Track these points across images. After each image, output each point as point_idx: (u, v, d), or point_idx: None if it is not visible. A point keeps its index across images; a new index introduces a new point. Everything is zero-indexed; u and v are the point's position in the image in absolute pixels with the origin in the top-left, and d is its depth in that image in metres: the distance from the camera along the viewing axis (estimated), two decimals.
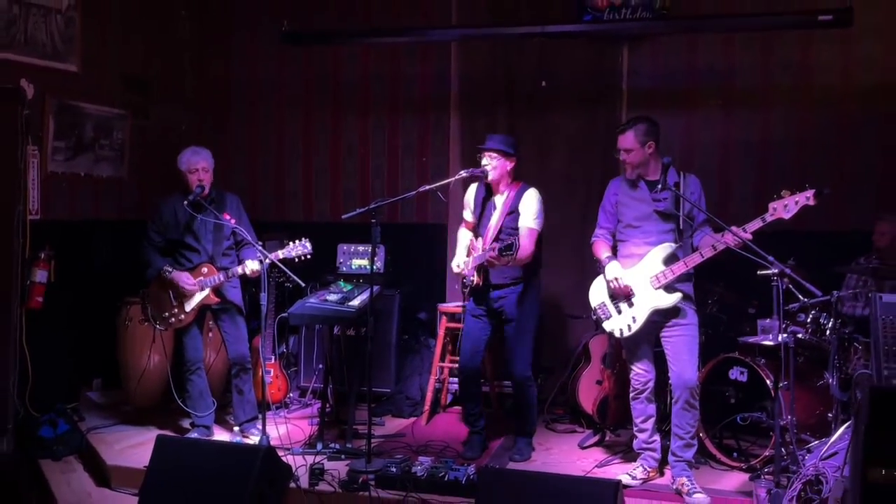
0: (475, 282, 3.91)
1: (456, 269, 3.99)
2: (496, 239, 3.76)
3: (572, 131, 5.00)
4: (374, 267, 4.07)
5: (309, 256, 4.08)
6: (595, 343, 4.62)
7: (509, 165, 3.82)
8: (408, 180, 5.45)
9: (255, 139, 5.70)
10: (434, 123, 5.43)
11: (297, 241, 4.14)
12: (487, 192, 3.92)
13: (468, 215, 3.98)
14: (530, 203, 3.80)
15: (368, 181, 5.64)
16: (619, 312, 3.60)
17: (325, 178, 5.70)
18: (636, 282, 3.55)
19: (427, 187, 3.88)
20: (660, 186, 3.43)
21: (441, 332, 4.83)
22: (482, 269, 3.93)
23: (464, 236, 4.04)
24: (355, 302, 4.17)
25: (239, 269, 4.04)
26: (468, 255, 3.92)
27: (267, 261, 3.95)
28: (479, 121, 5.17)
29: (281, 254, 4.12)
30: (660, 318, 3.52)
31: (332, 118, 5.57)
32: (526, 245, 3.70)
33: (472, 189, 3.96)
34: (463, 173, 3.95)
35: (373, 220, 3.60)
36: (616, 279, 3.51)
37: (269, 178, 5.71)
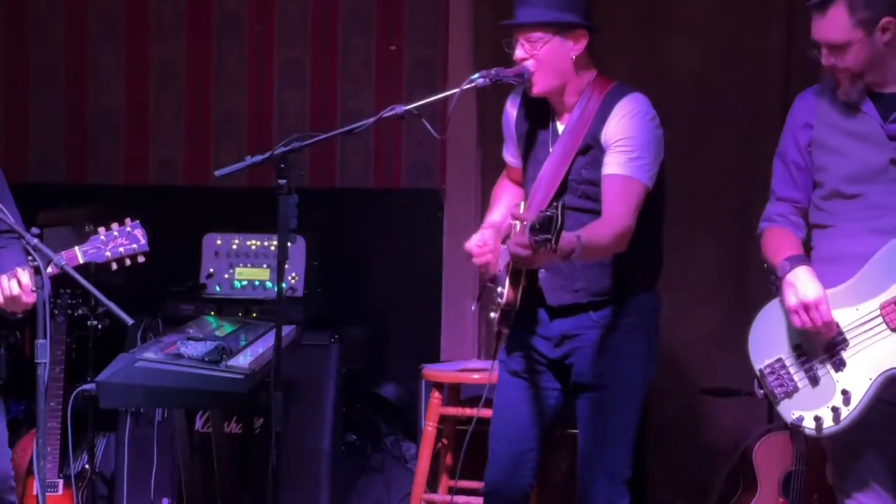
0: (505, 300, 3.77)
1: (477, 258, 3.85)
2: (548, 207, 3.59)
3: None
4: (285, 285, 4.11)
5: (142, 259, 4.02)
6: (765, 450, 4.70)
7: (575, 51, 3.81)
8: (357, 96, 5.75)
9: (12, 21, 6.09)
10: None
11: (114, 228, 4.01)
12: (541, 112, 3.94)
13: (509, 152, 4.07)
14: (630, 125, 3.75)
15: (270, 97, 5.91)
16: (815, 380, 3.52)
17: (171, 92, 6.04)
18: (850, 316, 3.47)
19: (401, 109, 3.65)
20: None
21: (430, 429, 4.88)
22: (520, 273, 3.79)
23: (502, 198, 4.13)
24: (241, 359, 4.14)
25: None
26: (505, 237, 3.89)
27: (50, 270, 3.74)
28: None
29: (80, 255, 3.99)
30: None
31: None
32: (615, 216, 3.66)
33: (515, 101, 4.00)
34: (477, 79, 3.76)
35: (279, 182, 3.51)
36: (808, 305, 3.44)
37: (51, 98, 6.10)
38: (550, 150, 3.86)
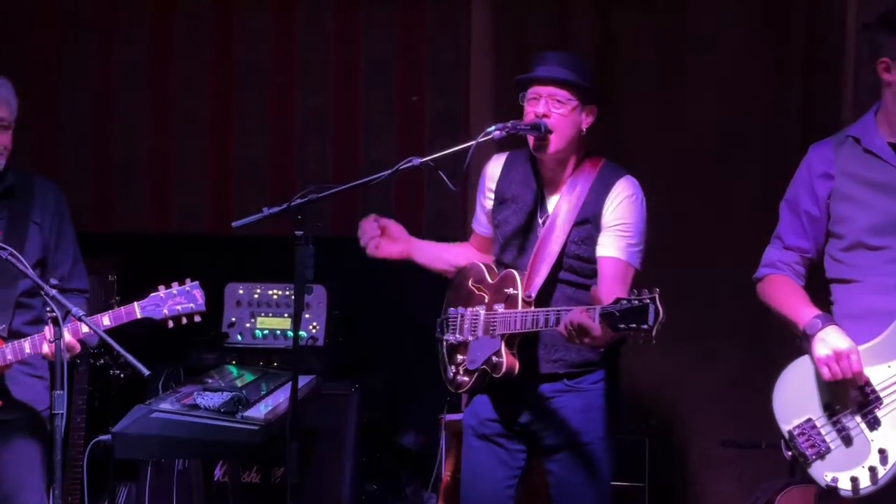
0: (505, 368, 3.73)
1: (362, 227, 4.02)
2: (554, 279, 3.72)
3: (728, 50, 5.40)
4: (305, 334, 4.18)
5: (198, 319, 4.07)
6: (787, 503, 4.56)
7: (587, 121, 3.85)
8: (379, 146, 5.76)
9: (38, 69, 6.04)
10: (436, 21, 5.76)
11: (174, 286, 4.06)
12: (527, 181, 3.96)
13: (478, 218, 4.09)
14: (630, 210, 3.80)
15: (292, 148, 5.92)
16: (849, 440, 3.43)
17: (195, 141, 6.06)
18: (882, 374, 3.40)
19: (418, 161, 3.67)
20: None
21: (449, 478, 4.78)
22: (516, 341, 3.79)
23: (455, 249, 4.20)
24: (261, 410, 4.15)
25: (44, 345, 4.03)
26: (466, 302, 3.93)
27: (90, 327, 3.79)
28: (529, 17, 5.49)
29: (138, 310, 4.03)
30: None
31: (214, 8, 5.97)
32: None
33: (499, 163, 4.00)
34: (493, 131, 3.76)
35: (299, 233, 3.49)
36: (841, 355, 3.37)
37: (75, 145, 6.09)
38: (539, 220, 3.85)
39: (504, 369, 3.71)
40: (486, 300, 3.81)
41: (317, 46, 5.91)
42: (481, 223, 4.03)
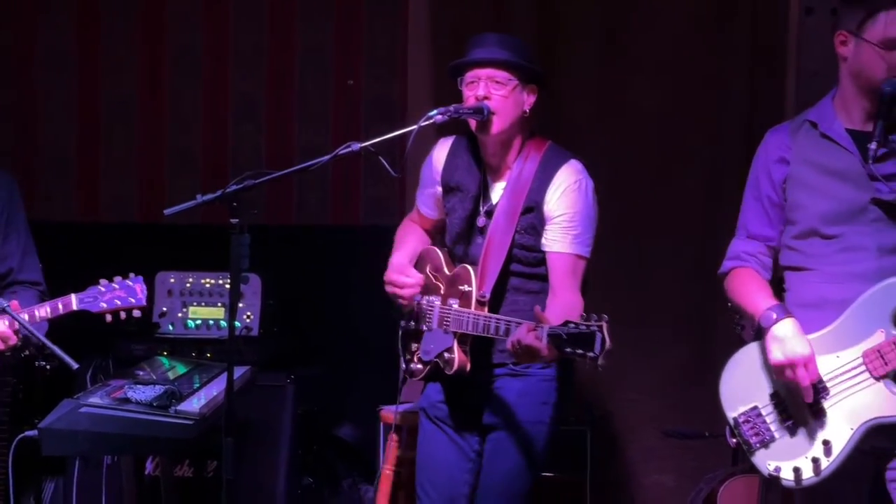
0: (457, 366, 3.77)
1: (394, 288, 3.92)
2: (505, 272, 3.74)
3: (670, 34, 5.40)
4: (239, 324, 4.14)
5: (137, 314, 4.15)
6: (730, 494, 4.59)
7: (529, 101, 3.85)
8: (314, 132, 5.75)
9: None
10: (372, 4, 5.80)
11: (115, 280, 4.10)
12: (472, 167, 3.97)
13: (425, 202, 4.09)
14: (573, 199, 3.81)
15: (225, 134, 5.90)
16: (793, 430, 3.46)
17: (125, 127, 6.01)
18: (830, 364, 3.42)
19: (357, 146, 3.64)
20: (874, 143, 3.30)
21: (388, 472, 4.86)
22: (468, 339, 3.82)
23: (412, 235, 4.15)
24: (194, 403, 4.06)
25: None
26: (427, 278, 3.93)
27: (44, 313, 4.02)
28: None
29: (75, 301, 4.08)
30: (887, 444, 3.39)
31: None
32: (575, 302, 3.70)
33: (445, 149, 4.02)
34: (435, 115, 3.74)
35: (234, 221, 3.44)
36: (796, 363, 3.37)
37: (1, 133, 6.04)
38: (482, 208, 3.86)
39: (455, 366, 3.74)
40: (442, 291, 3.81)
41: (250, 30, 5.87)
42: (427, 205, 4.02)
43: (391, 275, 3.86)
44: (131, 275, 4.07)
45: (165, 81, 5.93)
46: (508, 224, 3.79)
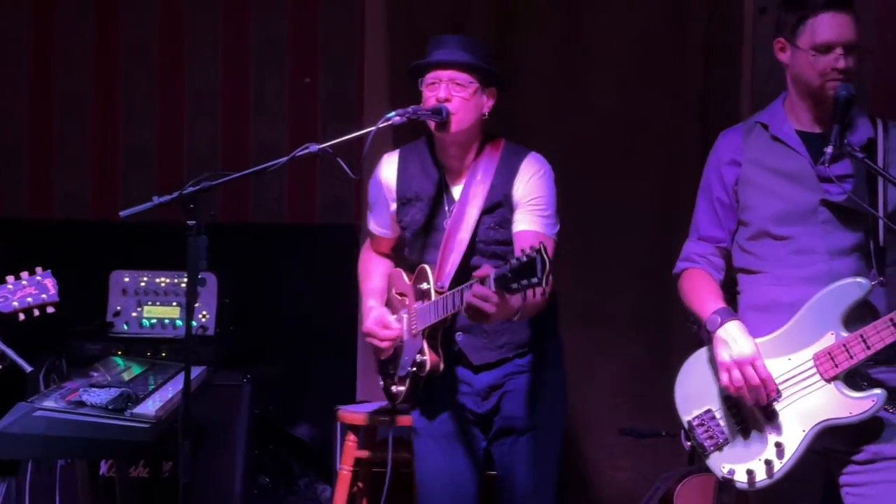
0: (430, 366, 3.75)
1: (374, 340, 3.91)
2: (468, 268, 3.67)
3: (626, 33, 5.43)
4: (195, 323, 4.12)
5: (51, 310, 3.98)
6: (686, 493, 4.60)
7: (488, 104, 3.84)
8: (270, 130, 5.74)
9: None
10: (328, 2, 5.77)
11: (23, 276, 3.96)
12: (427, 175, 3.95)
13: (379, 223, 4.06)
14: (540, 184, 3.83)
15: (180, 131, 5.87)
16: (746, 432, 3.48)
17: (78, 123, 5.97)
18: (782, 367, 3.42)
19: (315, 148, 3.60)
20: (831, 147, 3.29)
21: (345, 472, 4.80)
22: (437, 336, 3.78)
23: (377, 270, 4.10)
24: (150, 406, 4.04)
25: None
26: (394, 310, 3.92)
27: None
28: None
29: None
30: (839, 447, 3.40)
31: None
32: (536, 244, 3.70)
33: (392, 164, 4.00)
34: (393, 117, 3.72)
35: (191, 223, 3.43)
36: (742, 363, 3.39)
37: None
38: (446, 210, 3.85)
39: (428, 367, 3.70)
40: (407, 302, 3.80)
41: (205, 25, 5.83)
42: (384, 225, 4.00)
43: (372, 327, 3.82)
44: (38, 269, 3.96)
45: (119, 76, 5.86)
46: (470, 219, 3.78)
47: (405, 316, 3.79)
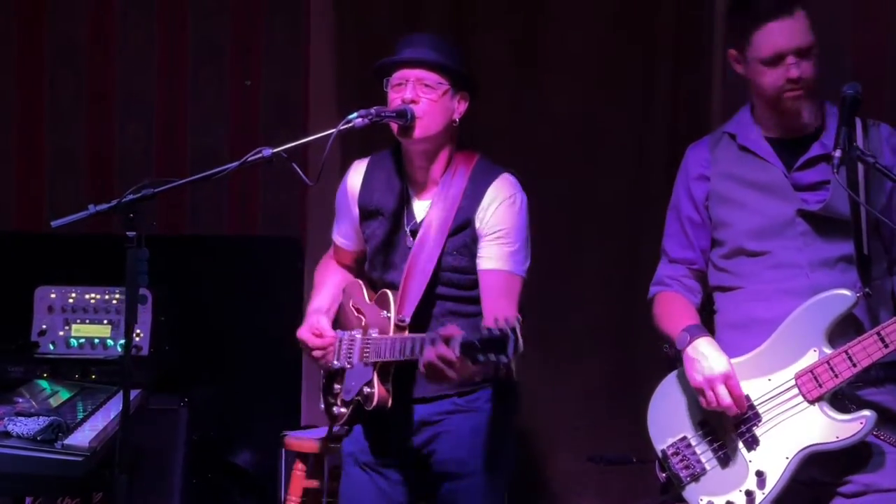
0: (377, 401, 3.74)
1: (316, 350, 3.89)
2: (432, 295, 3.75)
3: (589, 34, 5.44)
4: (131, 341, 3.92)
5: None
6: None
7: (460, 109, 3.84)
8: (208, 135, 5.77)
9: None
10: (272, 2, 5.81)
11: None
12: (391, 187, 3.94)
13: (342, 232, 4.07)
14: (507, 214, 3.80)
15: (111, 136, 5.87)
16: (725, 461, 3.48)
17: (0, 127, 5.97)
18: (762, 388, 3.44)
19: (268, 152, 3.56)
20: (839, 150, 3.28)
21: (293, 501, 4.88)
22: (390, 371, 3.77)
23: (332, 278, 4.11)
24: (81, 436, 3.92)
25: None
26: (348, 325, 3.91)
27: None
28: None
29: None
30: (826, 477, 3.42)
31: None
32: (510, 314, 3.55)
33: (360, 171, 4.00)
34: (355, 119, 3.69)
35: (128, 234, 3.37)
36: (714, 380, 3.40)
37: None
38: (406, 229, 3.82)
39: (375, 401, 3.67)
40: (363, 323, 3.78)
41: (139, 24, 5.81)
42: (346, 236, 3.99)
43: (303, 335, 3.84)
44: None
45: (45, 78, 5.84)
46: (435, 244, 3.75)
47: (358, 337, 3.76)
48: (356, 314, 3.83)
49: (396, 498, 3.88)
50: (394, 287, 3.77)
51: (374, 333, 3.72)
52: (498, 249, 3.71)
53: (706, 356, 3.40)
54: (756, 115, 3.53)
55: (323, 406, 3.90)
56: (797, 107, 3.43)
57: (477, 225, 3.72)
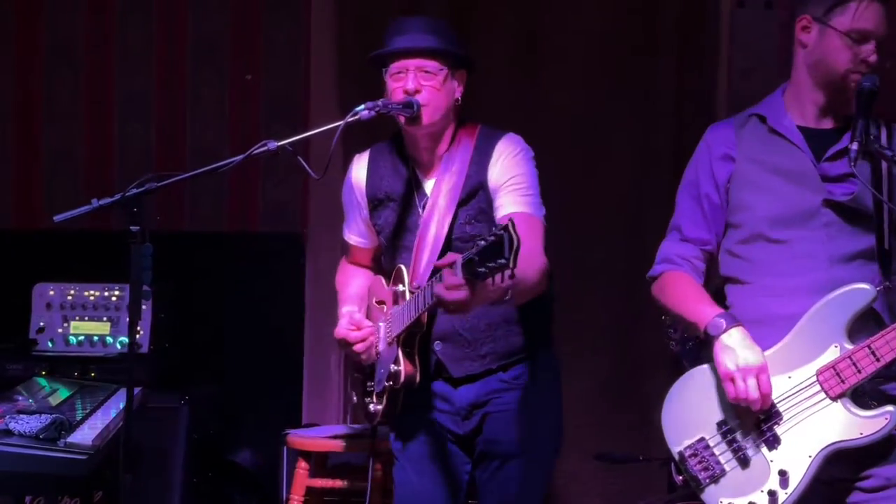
0: (404, 377, 3.69)
1: (359, 344, 3.84)
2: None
3: (593, 28, 5.45)
4: (125, 339, 4.14)
5: None
6: None
7: (460, 89, 3.86)
8: (208, 130, 5.77)
9: None
10: None
11: None
12: (397, 173, 3.95)
13: (354, 231, 4.07)
14: (516, 162, 3.81)
15: (110, 133, 5.84)
16: (745, 461, 3.44)
17: None
18: (782, 385, 3.40)
19: (274, 145, 3.55)
20: (856, 143, 3.28)
21: (296, 500, 4.86)
22: (414, 343, 3.74)
23: (354, 278, 4.10)
24: (83, 434, 3.89)
25: None
26: (374, 321, 3.88)
27: None
28: None
29: None
30: (844, 474, 3.38)
31: None
32: (532, 253, 3.59)
33: (363, 164, 4.02)
34: (362, 111, 3.67)
35: (132, 229, 3.37)
36: (748, 371, 3.37)
37: None
38: (421, 212, 3.84)
39: (403, 378, 3.65)
40: (386, 310, 3.78)
41: (136, 21, 5.80)
42: (359, 233, 3.99)
43: (342, 331, 3.80)
44: None
45: (42, 76, 5.84)
46: (446, 211, 3.75)
47: (382, 325, 3.75)
48: (378, 307, 3.84)
49: (459, 484, 3.88)
50: (407, 266, 3.80)
51: (392, 311, 3.74)
52: (514, 196, 3.71)
53: (744, 346, 3.36)
54: (790, 99, 3.49)
55: (359, 407, 3.91)
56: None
57: (490, 184, 3.72)
